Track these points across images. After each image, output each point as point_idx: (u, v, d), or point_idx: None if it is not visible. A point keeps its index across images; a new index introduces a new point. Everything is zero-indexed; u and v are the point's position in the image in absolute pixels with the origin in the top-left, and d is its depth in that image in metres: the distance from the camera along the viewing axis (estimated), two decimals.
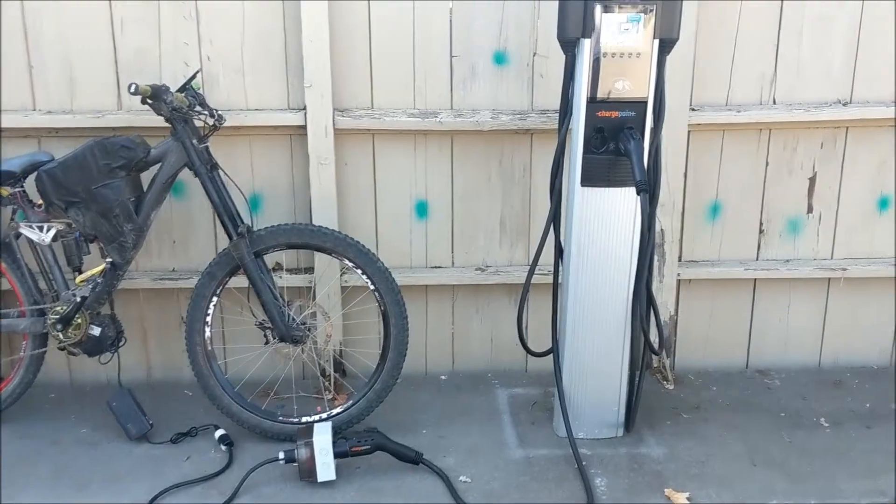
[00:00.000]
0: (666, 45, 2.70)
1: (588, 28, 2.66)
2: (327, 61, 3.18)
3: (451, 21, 3.25)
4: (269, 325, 2.96)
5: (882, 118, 3.37)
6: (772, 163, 3.45)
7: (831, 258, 3.56)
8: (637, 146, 2.68)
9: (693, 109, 3.32)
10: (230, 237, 2.91)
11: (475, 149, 3.39)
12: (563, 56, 2.78)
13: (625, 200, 2.83)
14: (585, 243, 2.88)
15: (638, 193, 2.64)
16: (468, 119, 3.30)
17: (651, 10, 2.63)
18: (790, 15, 3.29)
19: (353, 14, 3.22)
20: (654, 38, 2.66)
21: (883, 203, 3.51)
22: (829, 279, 3.57)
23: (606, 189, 2.81)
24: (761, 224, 3.53)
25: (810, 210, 3.51)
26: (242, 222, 2.96)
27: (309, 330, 3.02)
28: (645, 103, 2.73)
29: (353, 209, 3.41)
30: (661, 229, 3.42)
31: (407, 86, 3.31)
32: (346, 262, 2.97)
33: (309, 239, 2.95)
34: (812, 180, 3.48)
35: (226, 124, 3.12)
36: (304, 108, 3.23)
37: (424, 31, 3.25)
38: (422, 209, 3.44)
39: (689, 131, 3.34)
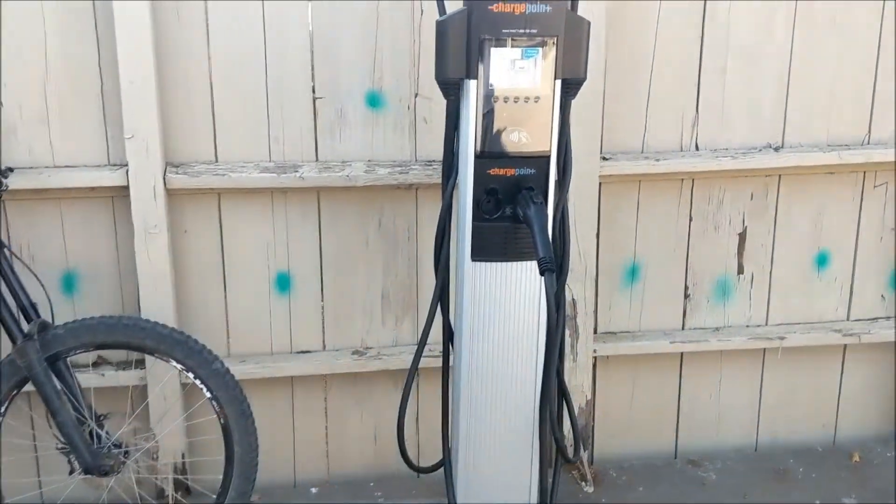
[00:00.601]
0: (571, 87, 2.16)
1: (473, 66, 2.09)
2: (154, 105, 2.53)
3: (312, 53, 2.65)
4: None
5: (817, 164, 2.93)
6: (696, 217, 2.97)
7: (766, 324, 3.10)
8: (539, 212, 2.13)
9: (604, 158, 2.81)
10: (13, 341, 2.22)
11: (348, 208, 2.79)
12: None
13: (526, 277, 2.27)
14: (479, 330, 2.31)
15: (542, 273, 2.08)
16: (337, 173, 2.70)
17: (551, 43, 2.09)
18: (712, 46, 2.82)
19: (187, 45, 2.58)
20: (555, 77, 2.11)
21: (821, 259, 3.07)
22: (765, 349, 3.10)
23: (503, 264, 2.25)
24: (687, 288, 3.03)
25: (741, 270, 3.04)
26: (38, 316, 2.27)
27: (127, 454, 2.34)
28: (547, 158, 2.18)
29: (195, 287, 2.75)
30: (573, 299, 2.87)
31: (259, 134, 2.69)
32: (174, 363, 2.32)
33: (122, 336, 2.29)
34: (742, 236, 3.01)
35: (28, 186, 2.51)
36: (127, 165, 2.57)
37: (280, 66, 2.64)
38: (283, 283, 2.81)
39: (600, 183, 2.82)
